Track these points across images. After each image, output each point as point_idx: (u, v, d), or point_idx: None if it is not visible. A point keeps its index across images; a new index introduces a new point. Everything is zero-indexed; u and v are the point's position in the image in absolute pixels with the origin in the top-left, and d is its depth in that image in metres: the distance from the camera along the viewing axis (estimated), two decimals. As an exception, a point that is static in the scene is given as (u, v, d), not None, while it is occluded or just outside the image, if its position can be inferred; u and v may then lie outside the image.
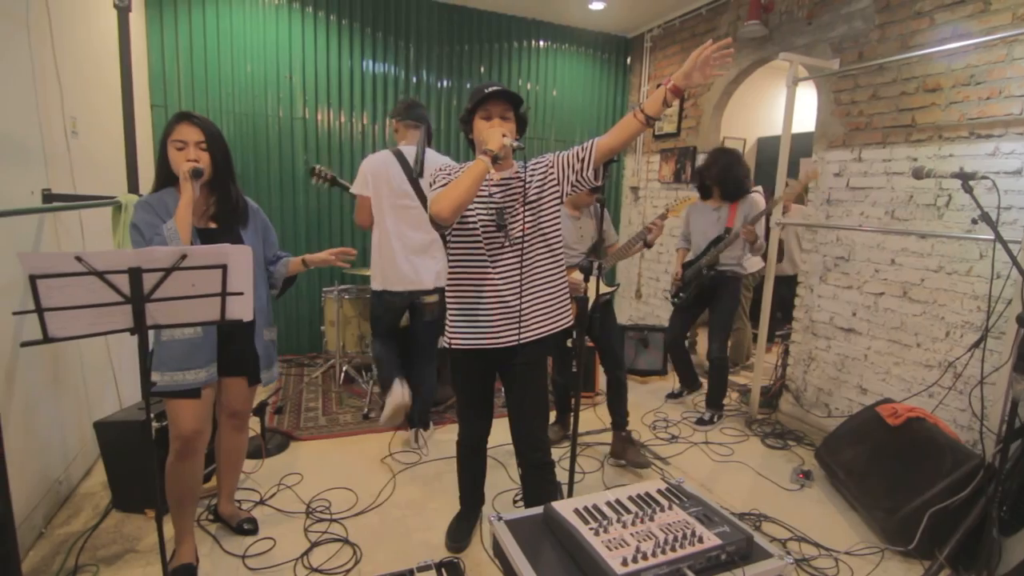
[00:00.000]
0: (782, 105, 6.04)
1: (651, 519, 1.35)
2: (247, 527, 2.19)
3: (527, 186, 1.82)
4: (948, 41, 2.64)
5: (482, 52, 4.72)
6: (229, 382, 1.99)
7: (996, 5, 2.49)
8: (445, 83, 4.64)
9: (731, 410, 3.64)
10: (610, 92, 5.24)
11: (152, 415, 2.25)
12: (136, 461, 2.22)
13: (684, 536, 1.27)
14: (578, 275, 2.63)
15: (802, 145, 3.94)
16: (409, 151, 2.70)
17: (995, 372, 2.23)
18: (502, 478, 2.65)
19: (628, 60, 5.23)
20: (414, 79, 4.54)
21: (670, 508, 1.40)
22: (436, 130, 4.68)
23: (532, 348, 1.88)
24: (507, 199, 1.81)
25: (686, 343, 3.77)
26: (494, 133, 1.69)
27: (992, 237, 2.40)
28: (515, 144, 1.67)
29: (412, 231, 2.72)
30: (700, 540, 1.26)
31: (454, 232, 1.82)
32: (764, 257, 4.17)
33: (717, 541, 1.26)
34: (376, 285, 2.78)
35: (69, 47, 2.47)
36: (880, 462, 2.44)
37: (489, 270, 1.81)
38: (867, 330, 3.11)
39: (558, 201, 1.85)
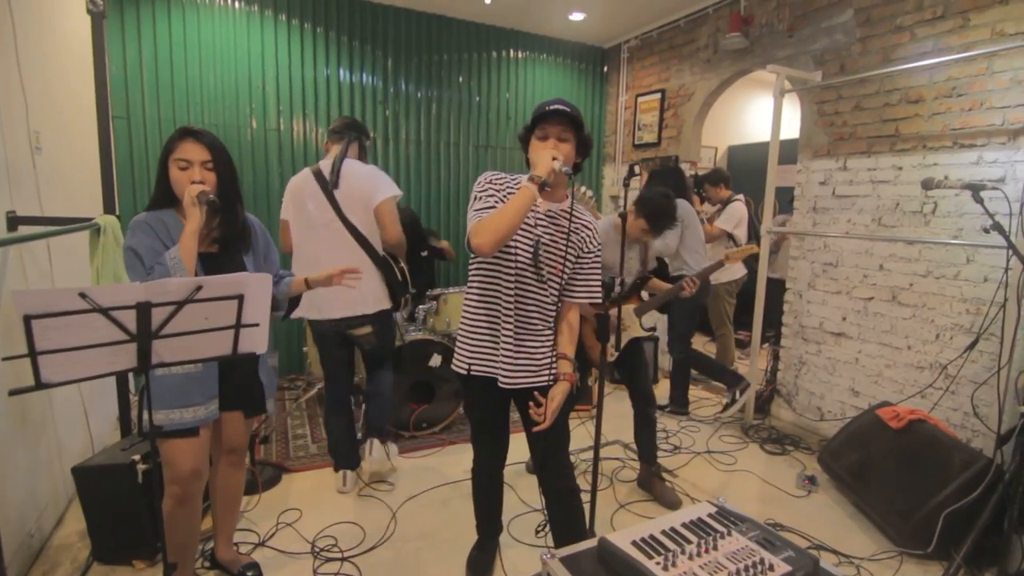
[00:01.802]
0: (752, 114, 6.31)
1: (715, 548, 1.29)
2: (250, 574, 2.02)
3: (571, 230, 1.72)
4: (929, 55, 2.75)
5: (460, 61, 4.64)
6: (228, 417, 1.83)
7: (975, 21, 2.60)
8: (424, 93, 4.54)
9: (725, 418, 3.66)
10: (587, 101, 5.25)
11: (138, 456, 2.09)
12: (121, 508, 2.03)
13: (754, 565, 1.22)
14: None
15: (781, 151, 4.02)
16: (327, 165, 2.47)
17: (993, 375, 2.30)
18: (513, 501, 2.55)
19: (605, 69, 5.26)
20: (391, 89, 4.42)
21: (729, 534, 1.35)
22: (416, 141, 4.57)
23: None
24: (549, 234, 1.71)
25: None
26: (543, 156, 1.58)
27: (983, 243, 2.50)
28: (564, 170, 1.56)
29: (330, 253, 2.42)
30: (770, 568, 1.22)
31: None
32: (748, 264, 4.26)
33: (787, 568, 1.22)
34: (297, 312, 2.35)
35: (34, 56, 2.26)
36: (887, 465, 2.48)
37: (511, 303, 1.71)
38: (857, 334, 3.18)
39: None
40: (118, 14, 3.49)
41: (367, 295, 2.49)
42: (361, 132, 2.61)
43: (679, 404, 3.68)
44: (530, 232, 1.70)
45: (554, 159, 1.57)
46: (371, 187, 2.47)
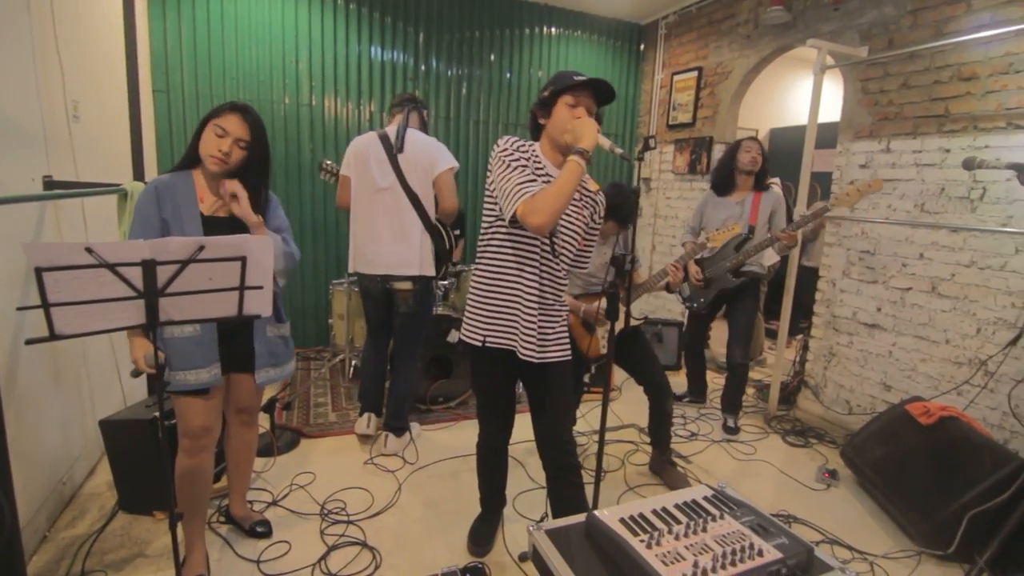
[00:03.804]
0: (794, 95, 6.03)
1: (704, 530, 1.26)
2: (260, 530, 2.11)
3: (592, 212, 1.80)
4: (986, 28, 2.54)
5: (493, 38, 4.59)
6: (236, 378, 1.89)
7: (1039, -11, 2.39)
8: (455, 70, 4.52)
9: (749, 407, 3.57)
10: (622, 80, 5.12)
11: (159, 413, 2.18)
12: (144, 461, 2.13)
13: (742, 549, 1.18)
14: (592, 306, 2.51)
15: (821, 135, 3.83)
16: (392, 131, 2.62)
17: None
18: (521, 477, 2.57)
19: (641, 47, 5.11)
20: (423, 67, 4.41)
21: (722, 517, 1.32)
22: (445, 117, 4.56)
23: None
24: (581, 212, 1.75)
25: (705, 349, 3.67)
26: (588, 127, 1.54)
27: (1022, 231, 2.33)
28: (620, 152, 1.50)
29: (387, 214, 2.60)
30: (760, 554, 1.18)
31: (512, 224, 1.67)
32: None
33: (777, 555, 1.18)
34: (350, 267, 2.74)
35: (71, 28, 2.35)
36: (913, 463, 2.37)
37: (535, 277, 1.70)
38: (892, 326, 3.03)
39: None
40: (159, -10, 3.59)
41: (413, 256, 2.61)
42: (419, 104, 2.76)
43: (736, 411, 3.30)
44: (576, 208, 1.73)
45: (606, 137, 1.56)
46: (433, 157, 2.61)
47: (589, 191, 1.78)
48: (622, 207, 2.33)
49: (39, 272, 1.20)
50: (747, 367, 3.19)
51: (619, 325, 2.53)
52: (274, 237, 1.77)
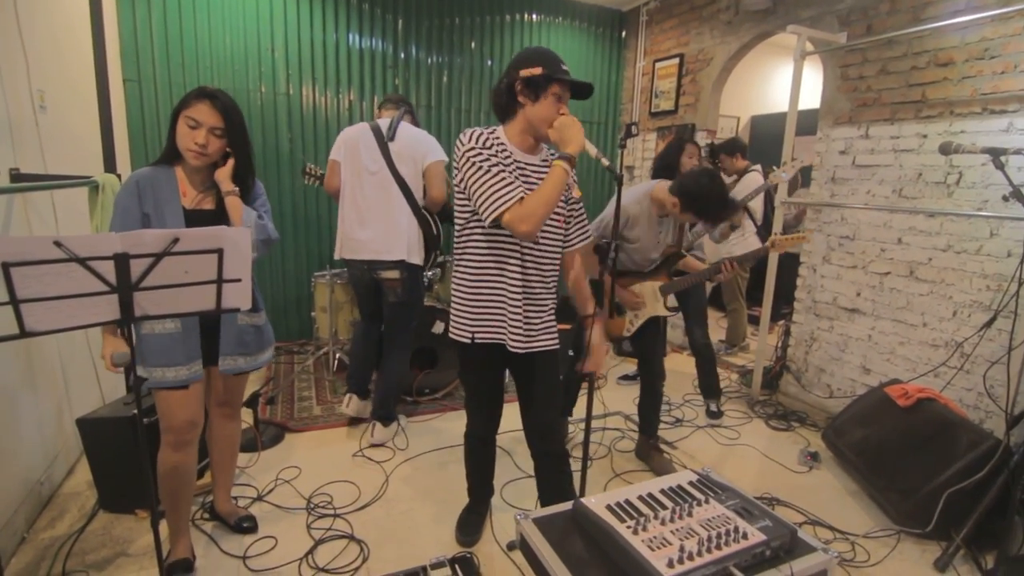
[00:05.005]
0: (776, 83, 6.06)
1: (689, 514, 1.27)
2: (246, 525, 2.08)
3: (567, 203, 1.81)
4: (962, 13, 2.57)
5: (473, 26, 4.53)
6: (217, 371, 1.86)
7: (1014, -25, 2.41)
8: (435, 58, 4.45)
9: (732, 392, 3.61)
10: (604, 67, 5.09)
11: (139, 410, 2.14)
12: (124, 459, 2.09)
13: (727, 532, 1.20)
14: (637, 289, 2.52)
15: (801, 122, 3.86)
16: (384, 123, 2.69)
17: (1013, 351, 2.20)
18: (509, 466, 2.57)
19: (623, 34, 5.08)
20: (402, 55, 4.34)
21: (707, 502, 1.33)
22: (427, 106, 4.51)
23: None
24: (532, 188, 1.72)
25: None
26: (576, 131, 1.57)
27: (1008, 216, 2.37)
28: (606, 163, 1.52)
29: (375, 198, 2.65)
30: (744, 536, 1.19)
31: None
32: (762, 238, 4.13)
33: (761, 537, 1.20)
34: (336, 254, 2.78)
35: (36, 16, 2.26)
36: (892, 443, 2.41)
37: (518, 268, 1.69)
38: (871, 310, 3.08)
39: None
40: (127, -25, 3.48)
41: (399, 242, 2.64)
42: (411, 108, 2.87)
43: (716, 394, 3.27)
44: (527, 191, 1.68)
45: (595, 149, 1.57)
46: (424, 147, 2.70)
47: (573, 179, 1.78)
48: (707, 203, 2.25)
49: (6, 267, 1.16)
50: (711, 346, 3.18)
51: (657, 311, 2.55)
52: (248, 211, 1.72)
